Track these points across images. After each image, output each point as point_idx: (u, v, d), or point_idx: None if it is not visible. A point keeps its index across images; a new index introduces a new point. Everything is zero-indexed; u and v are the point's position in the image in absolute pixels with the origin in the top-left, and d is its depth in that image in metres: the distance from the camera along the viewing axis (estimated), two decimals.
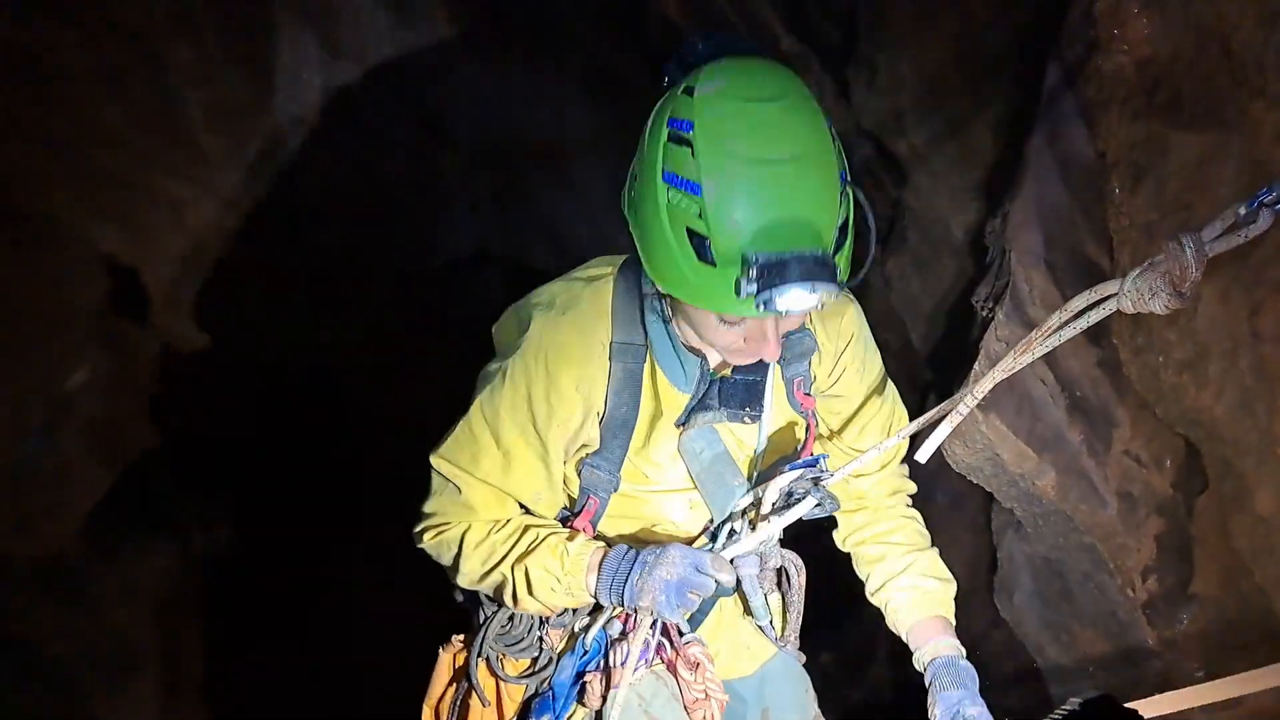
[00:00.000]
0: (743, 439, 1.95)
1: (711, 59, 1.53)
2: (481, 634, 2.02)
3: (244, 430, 6.00)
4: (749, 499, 1.89)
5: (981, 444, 2.52)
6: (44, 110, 3.74)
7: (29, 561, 4.80)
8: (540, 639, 2.03)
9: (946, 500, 4.64)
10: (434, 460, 1.89)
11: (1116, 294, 1.19)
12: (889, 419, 2.04)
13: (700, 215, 1.40)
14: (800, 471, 1.78)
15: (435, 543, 1.93)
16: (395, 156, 4.37)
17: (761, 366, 1.85)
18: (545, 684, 2.02)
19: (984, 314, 2.57)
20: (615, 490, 1.90)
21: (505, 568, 1.84)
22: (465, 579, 1.93)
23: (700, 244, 1.42)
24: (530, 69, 4.39)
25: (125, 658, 5.19)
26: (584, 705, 1.98)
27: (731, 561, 1.85)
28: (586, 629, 1.99)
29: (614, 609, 1.92)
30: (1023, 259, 2.33)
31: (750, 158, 1.40)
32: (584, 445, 1.86)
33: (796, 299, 1.36)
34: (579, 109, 4.58)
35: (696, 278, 1.45)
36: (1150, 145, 1.75)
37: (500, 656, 2.03)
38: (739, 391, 1.84)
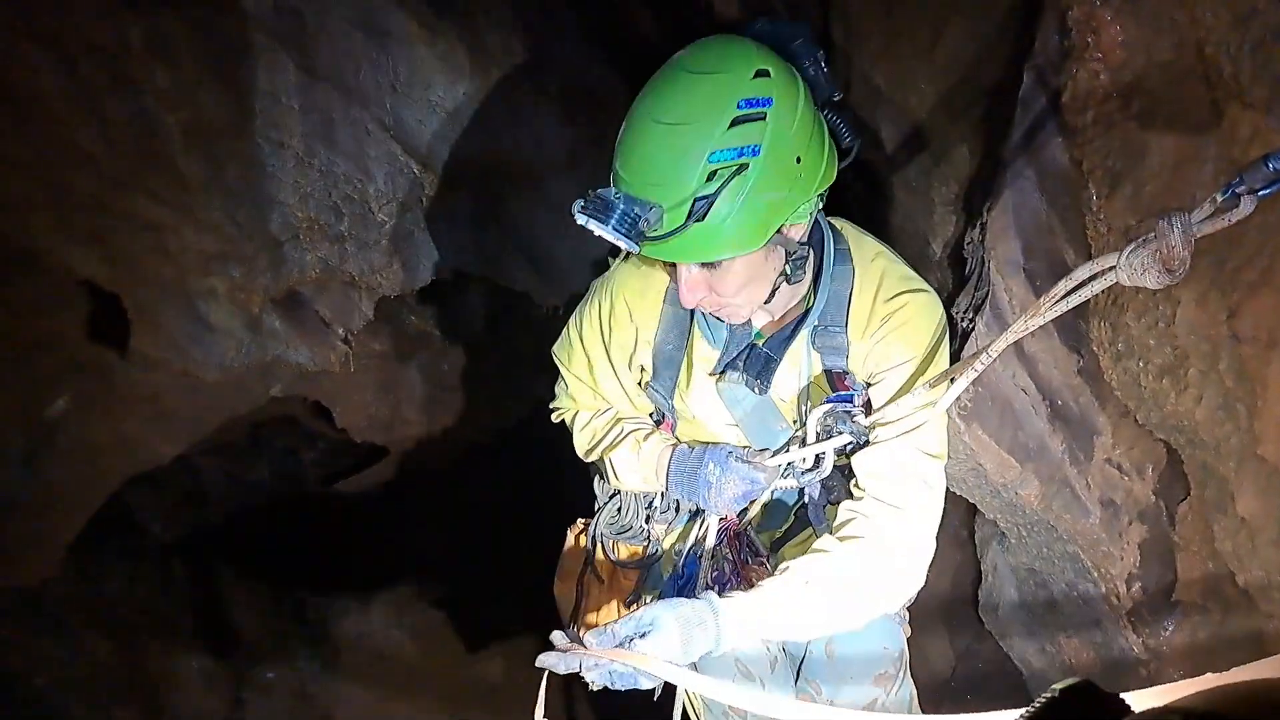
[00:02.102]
0: (784, 398, 2.14)
1: (759, 39, 1.77)
2: (596, 519, 2.44)
3: (226, 457, 5.96)
4: (799, 435, 2.07)
5: (964, 454, 2.51)
6: (19, 133, 3.72)
7: (11, 592, 4.76)
8: (646, 530, 2.39)
9: None
10: (552, 353, 2.39)
11: (1115, 266, 1.24)
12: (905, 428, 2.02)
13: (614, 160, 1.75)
14: (831, 406, 1.99)
15: (558, 420, 2.46)
16: (373, 177, 4.37)
17: (783, 344, 2.06)
18: (654, 597, 2.30)
19: (964, 325, 2.57)
20: (675, 414, 2.22)
21: (599, 452, 2.24)
22: (580, 451, 2.36)
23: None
24: (508, 88, 4.39)
25: (108, 687, 5.13)
26: None
27: (784, 472, 2.08)
28: (678, 554, 2.31)
29: (699, 525, 2.25)
30: (1002, 268, 2.34)
31: (637, 111, 1.69)
32: (642, 368, 2.21)
33: (610, 235, 1.64)
34: (557, 128, 4.58)
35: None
36: (1126, 151, 1.76)
37: (613, 543, 2.42)
38: (758, 362, 2.06)
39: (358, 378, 5.25)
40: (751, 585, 2.02)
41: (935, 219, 3.42)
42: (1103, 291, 1.30)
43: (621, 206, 1.62)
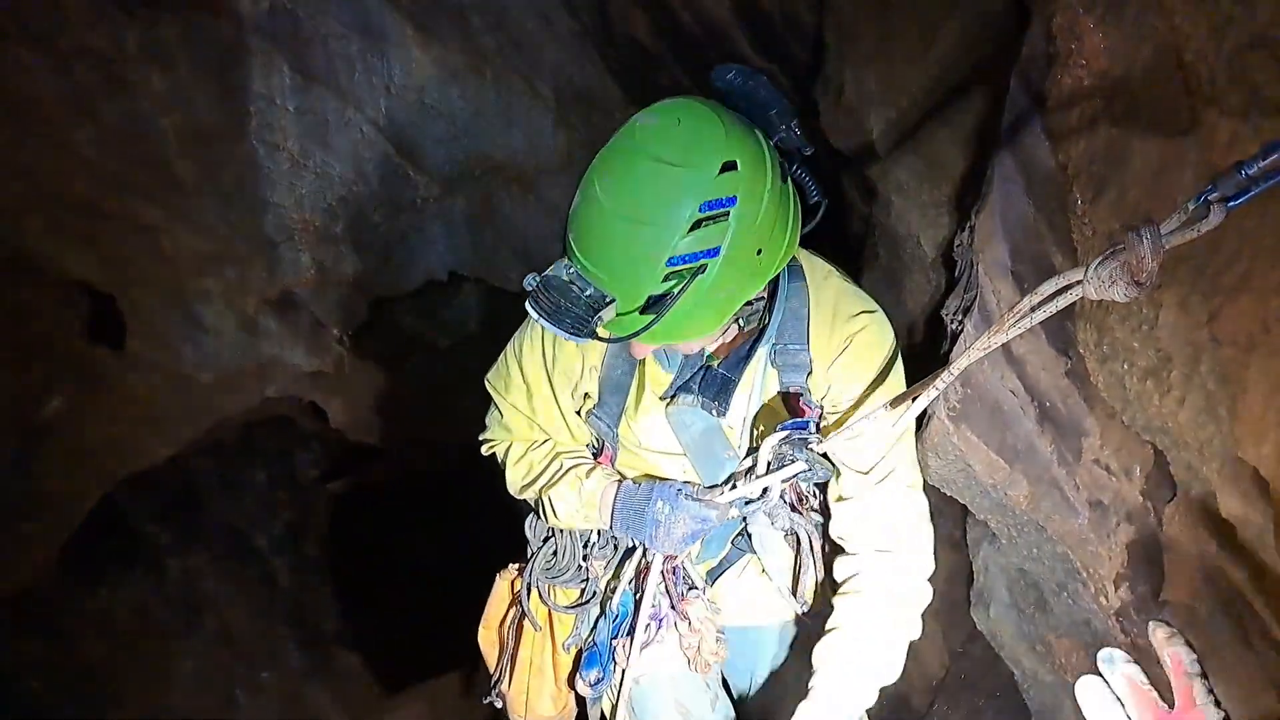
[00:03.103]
0: (733, 424, 2.05)
1: (724, 90, 1.71)
2: (530, 565, 2.30)
3: (219, 458, 5.97)
4: (747, 464, 1.97)
5: (953, 455, 2.52)
6: (14, 137, 3.74)
7: (3, 593, 4.75)
8: (584, 569, 2.25)
9: None
10: (486, 382, 2.25)
11: (1081, 280, 1.22)
12: (883, 439, 2.04)
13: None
14: (787, 433, 1.87)
15: (489, 454, 2.32)
16: (368, 180, 4.38)
17: (739, 364, 1.98)
18: (591, 639, 2.22)
19: (953, 327, 2.58)
20: (616, 443, 2.10)
21: (535, 490, 2.11)
22: (512, 488, 2.22)
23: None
24: (502, 91, 4.41)
25: (101, 689, 5.13)
26: (616, 663, 2.16)
27: (732, 506, 1.97)
28: (613, 593, 2.19)
29: (638, 560, 2.15)
30: (989, 271, 2.36)
31: (596, 188, 1.59)
32: (587, 395, 2.09)
33: (564, 337, 1.62)
34: (551, 130, 4.60)
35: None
36: (1110, 155, 1.78)
37: (549, 587, 2.27)
38: (715, 383, 1.97)
39: (352, 379, 5.26)
40: (689, 620, 2.08)
41: (927, 221, 3.44)
42: None
43: (574, 310, 1.59)
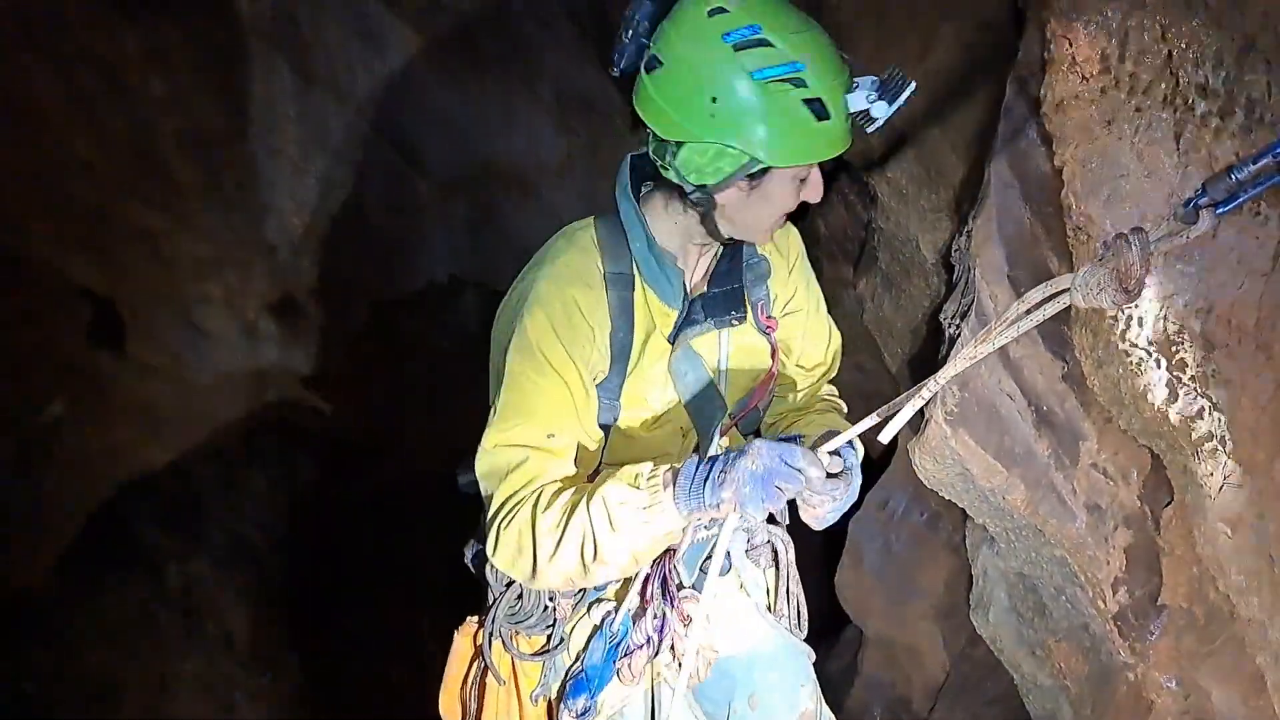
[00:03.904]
0: (711, 363, 2.04)
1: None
2: (493, 613, 2.08)
3: (219, 463, 5.97)
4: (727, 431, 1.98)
5: (951, 459, 2.53)
6: (16, 142, 3.75)
7: (3, 599, 4.76)
8: (550, 611, 2.07)
9: (924, 519, 4.65)
10: (486, 451, 1.80)
11: (1069, 288, 1.22)
12: (827, 330, 2.23)
13: (806, 85, 1.60)
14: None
15: (508, 536, 1.76)
16: (369, 183, 4.39)
17: (736, 276, 2.00)
18: (579, 666, 2.06)
19: (951, 331, 2.59)
20: (616, 419, 1.93)
21: (583, 512, 1.71)
22: (544, 553, 1.73)
23: (817, 106, 1.62)
24: (502, 95, 4.42)
25: (101, 696, 5.14)
26: (623, 682, 2.04)
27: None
28: (615, 610, 2.03)
29: (635, 590, 2.00)
30: (986, 275, 2.36)
31: (809, 34, 1.63)
32: (599, 371, 1.89)
33: (881, 108, 1.64)
34: (551, 134, 4.61)
35: (821, 135, 1.65)
36: (1103, 159, 1.79)
37: (513, 634, 2.09)
38: (719, 301, 1.97)
39: (352, 383, 5.27)
40: (686, 620, 1.99)
41: (926, 225, 3.45)
42: None
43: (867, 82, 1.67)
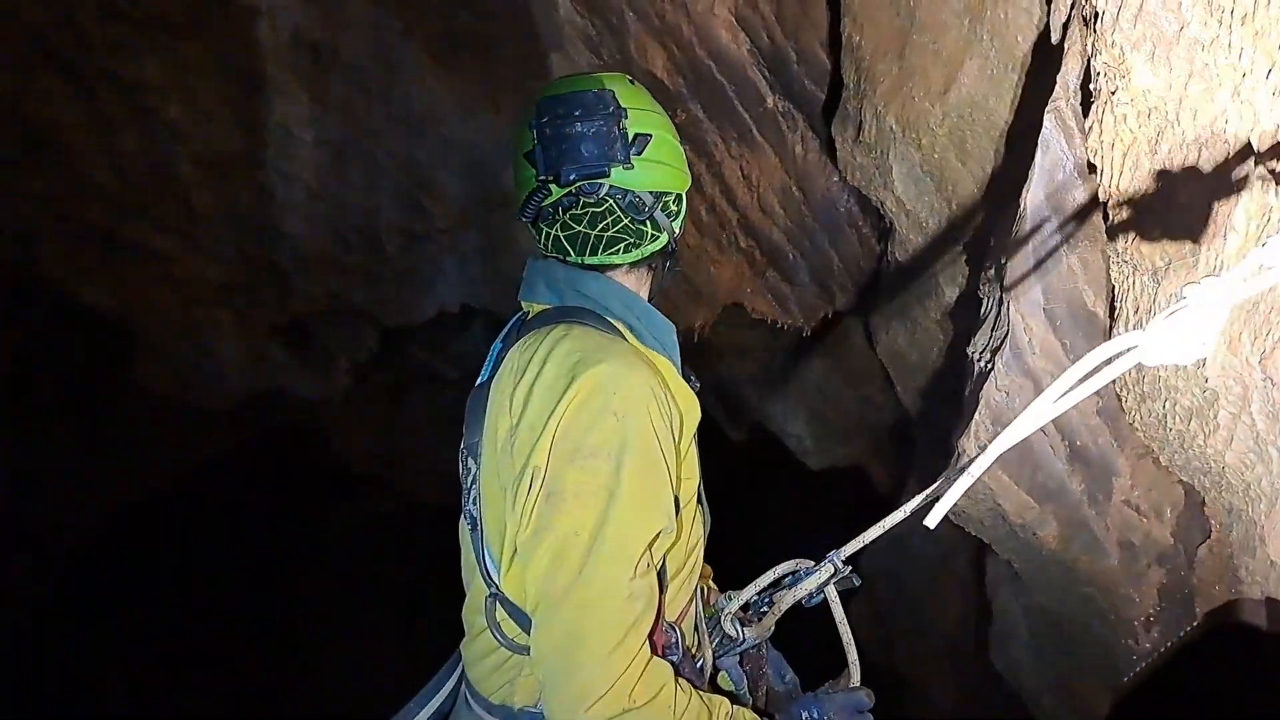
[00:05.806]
0: None
1: None
2: None
3: (225, 486, 5.93)
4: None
5: (983, 495, 2.51)
6: (32, 164, 3.73)
7: (10, 620, 4.71)
8: None
9: (937, 555, 4.61)
10: (622, 583, 1.31)
11: (1136, 345, 1.10)
12: None
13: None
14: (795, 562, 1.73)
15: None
16: (383, 210, 4.38)
17: None
18: None
19: (982, 365, 2.57)
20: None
21: None
22: None
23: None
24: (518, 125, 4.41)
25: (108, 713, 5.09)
26: None
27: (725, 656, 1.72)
28: None
29: None
30: (1022, 309, 2.35)
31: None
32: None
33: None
34: None
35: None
36: (1154, 193, 1.78)
37: None
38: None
39: (359, 409, 5.24)
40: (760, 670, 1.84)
41: (945, 259, 3.44)
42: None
43: None
